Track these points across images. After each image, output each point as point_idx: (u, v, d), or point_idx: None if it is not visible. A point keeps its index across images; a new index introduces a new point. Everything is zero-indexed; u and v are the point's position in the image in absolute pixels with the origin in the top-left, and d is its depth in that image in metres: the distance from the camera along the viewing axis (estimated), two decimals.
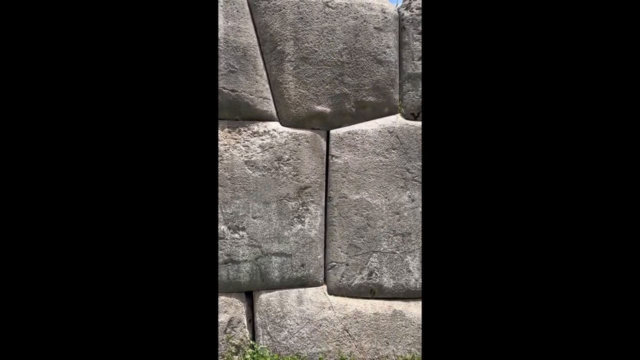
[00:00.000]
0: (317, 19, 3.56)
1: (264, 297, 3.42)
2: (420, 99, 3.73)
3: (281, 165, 3.44)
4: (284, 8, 3.47)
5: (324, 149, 3.60)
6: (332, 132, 3.61)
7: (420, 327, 3.44)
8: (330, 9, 3.60)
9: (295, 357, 3.30)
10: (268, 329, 3.38)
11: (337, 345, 3.36)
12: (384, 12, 3.68)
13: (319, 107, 3.55)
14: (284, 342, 3.36)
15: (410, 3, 3.80)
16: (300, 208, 3.47)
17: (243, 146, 3.41)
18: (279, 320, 3.38)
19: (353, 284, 3.48)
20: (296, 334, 3.36)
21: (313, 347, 3.35)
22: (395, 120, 3.68)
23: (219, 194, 3.33)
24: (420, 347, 3.39)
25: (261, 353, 3.28)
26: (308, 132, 3.56)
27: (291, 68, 3.51)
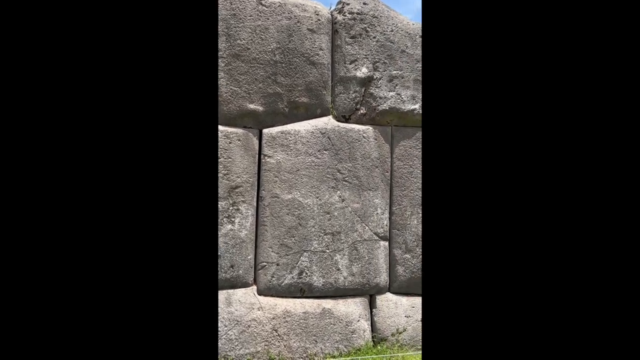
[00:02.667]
0: (251, 16, 3.52)
1: None
2: (352, 102, 3.82)
3: None
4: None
5: (256, 148, 3.57)
6: (265, 131, 3.59)
7: (347, 324, 3.53)
8: (264, 7, 3.57)
9: (223, 359, 3.24)
10: None
11: (265, 345, 3.34)
12: (317, 15, 3.72)
13: (252, 106, 3.51)
14: None
15: (343, 7, 3.89)
16: (231, 208, 3.41)
17: None
18: None
19: (283, 284, 3.49)
20: (224, 336, 3.29)
21: (241, 348, 3.31)
22: (328, 122, 3.74)
23: None
24: (347, 343, 3.48)
25: None
26: (240, 131, 3.51)
27: (222, 64, 3.43)
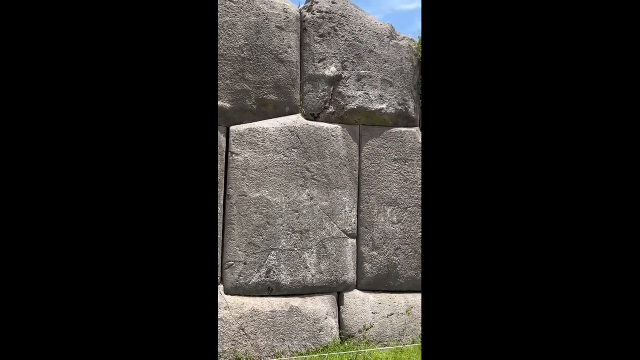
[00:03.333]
0: (218, 12, 3.46)
1: None
2: (321, 101, 3.83)
3: None
4: None
5: (224, 145, 3.52)
6: (233, 128, 3.55)
7: (315, 322, 3.54)
8: (232, 3, 3.53)
9: None
10: None
11: (232, 345, 3.31)
12: (286, 12, 3.71)
13: (219, 103, 3.46)
14: None
15: (312, 5, 3.89)
16: None
17: None
18: None
19: (251, 283, 3.46)
20: None
21: None
22: (297, 120, 3.73)
23: None
24: (315, 341, 3.49)
25: None
26: None
27: None
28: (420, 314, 3.83)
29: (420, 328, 3.79)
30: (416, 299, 3.90)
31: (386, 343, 3.61)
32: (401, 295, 3.88)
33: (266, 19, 3.61)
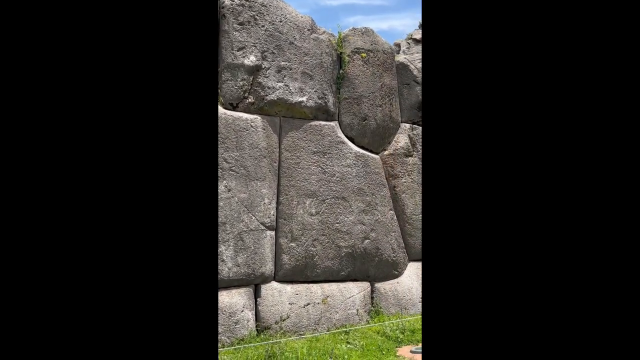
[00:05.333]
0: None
1: None
2: (240, 90, 3.75)
3: None
4: None
5: None
6: None
7: (231, 315, 3.49)
8: None
9: None
10: None
11: None
12: None
13: None
14: None
15: None
16: None
17: None
18: None
19: None
20: None
21: None
22: None
23: None
24: (230, 334, 3.44)
25: None
26: None
27: None
28: (336, 302, 3.95)
29: (335, 316, 3.91)
30: (332, 288, 4.02)
31: (302, 332, 3.67)
32: (317, 285, 3.97)
33: None
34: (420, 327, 3.82)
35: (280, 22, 3.96)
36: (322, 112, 4.23)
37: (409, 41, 5.04)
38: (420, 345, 3.48)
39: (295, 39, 4.03)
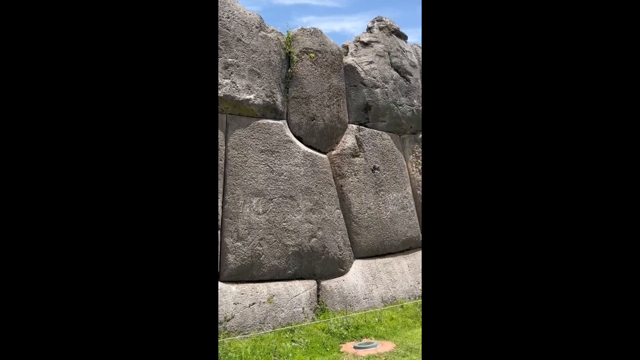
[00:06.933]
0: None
1: None
2: None
3: None
4: None
5: None
6: None
7: None
8: None
9: None
10: None
11: None
12: None
13: None
14: None
15: None
16: None
17: None
18: None
19: None
20: None
21: None
22: None
23: None
24: None
25: None
26: None
27: None
28: (281, 301, 3.96)
29: (281, 315, 3.92)
30: (278, 287, 4.02)
31: (247, 332, 3.64)
32: (263, 284, 3.95)
33: None
34: (364, 323, 3.91)
35: (228, 18, 3.90)
36: (270, 111, 4.22)
37: (357, 44, 5.14)
38: (364, 340, 3.57)
39: (243, 35, 3.98)
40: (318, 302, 4.26)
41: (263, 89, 4.12)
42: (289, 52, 4.41)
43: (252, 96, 4.02)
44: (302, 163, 4.35)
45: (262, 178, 4.07)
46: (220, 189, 3.84)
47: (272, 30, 4.34)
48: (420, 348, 3.34)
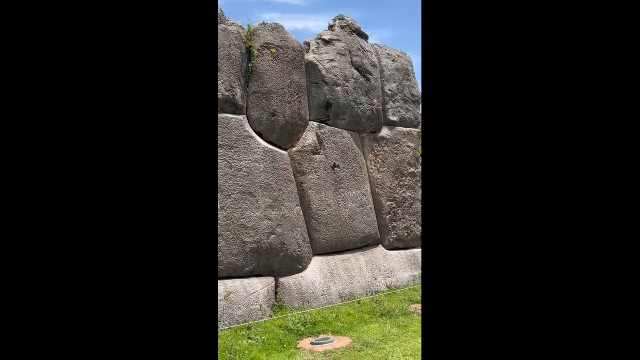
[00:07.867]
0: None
1: None
2: None
3: None
4: None
5: None
6: None
7: None
8: None
9: None
10: None
11: None
12: None
13: None
14: None
15: None
16: None
17: None
18: None
19: None
20: None
21: None
22: None
23: None
24: None
25: None
26: None
27: None
28: (239, 298, 3.90)
29: (238, 312, 3.86)
30: (235, 285, 3.96)
31: None
32: (220, 281, 3.88)
33: None
34: (322, 319, 3.93)
35: None
36: (230, 105, 4.14)
37: (319, 41, 5.16)
38: (321, 336, 3.59)
39: None
40: (276, 299, 4.24)
41: (222, 83, 4.04)
42: (250, 47, 4.35)
43: None
44: (262, 159, 4.31)
45: (221, 174, 3.99)
46: None
47: (233, 24, 4.27)
48: (376, 343, 3.40)
